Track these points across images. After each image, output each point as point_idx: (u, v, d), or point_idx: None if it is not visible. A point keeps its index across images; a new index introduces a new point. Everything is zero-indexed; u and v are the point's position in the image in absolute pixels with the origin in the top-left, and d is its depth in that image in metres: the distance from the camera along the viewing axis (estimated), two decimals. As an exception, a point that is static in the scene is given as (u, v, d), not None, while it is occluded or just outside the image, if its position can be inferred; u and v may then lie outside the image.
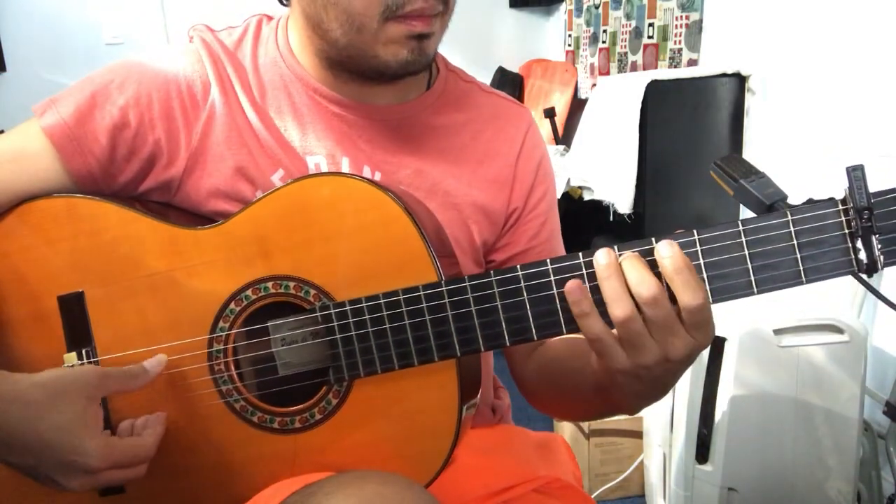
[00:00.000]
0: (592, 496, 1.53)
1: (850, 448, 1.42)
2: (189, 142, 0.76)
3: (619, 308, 0.57)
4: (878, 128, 1.65)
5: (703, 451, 1.46)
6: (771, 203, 0.79)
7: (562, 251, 0.89)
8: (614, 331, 0.59)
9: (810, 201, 0.77)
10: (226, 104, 0.77)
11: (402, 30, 0.69)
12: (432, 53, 0.74)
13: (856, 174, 0.56)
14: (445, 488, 0.69)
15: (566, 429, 1.92)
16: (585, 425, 1.82)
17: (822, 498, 1.43)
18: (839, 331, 1.39)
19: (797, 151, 1.91)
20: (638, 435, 1.78)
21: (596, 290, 0.59)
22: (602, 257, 0.58)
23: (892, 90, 1.61)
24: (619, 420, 1.79)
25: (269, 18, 0.84)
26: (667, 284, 0.57)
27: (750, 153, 2.07)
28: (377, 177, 0.79)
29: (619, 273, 0.58)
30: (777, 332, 1.38)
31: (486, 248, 0.86)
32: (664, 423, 1.54)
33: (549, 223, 0.88)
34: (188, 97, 0.76)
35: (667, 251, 0.57)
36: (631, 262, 0.58)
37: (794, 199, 0.78)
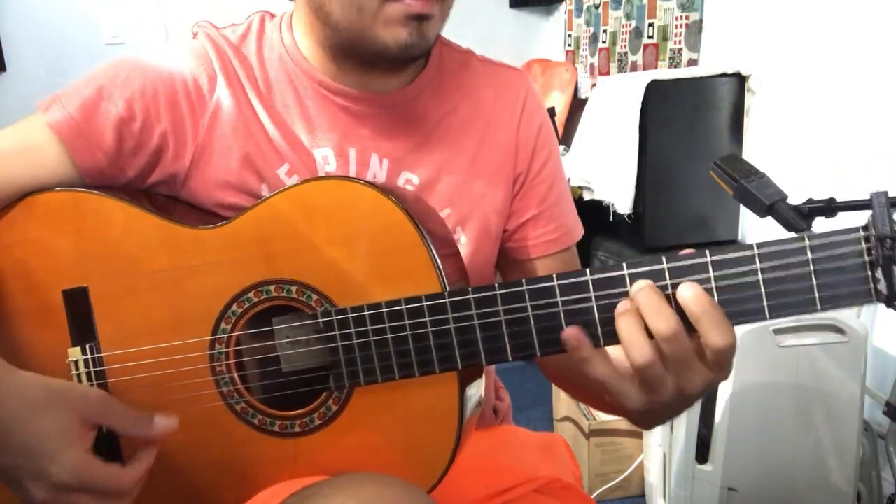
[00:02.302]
0: (592, 496, 1.53)
1: (850, 448, 1.42)
2: (196, 134, 0.76)
3: (637, 352, 0.55)
4: (878, 127, 1.65)
5: (703, 451, 1.46)
6: (771, 203, 0.79)
7: (573, 218, 0.89)
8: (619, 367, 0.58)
9: (810, 201, 0.77)
10: (233, 97, 0.77)
11: (401, 9, 0.70)
12: (432, 38, 0.74)
13: (879, 200, 0.53)
14: (446, 489, 0.69)
15: (566, 429, 1.92)
16: (585, 425, 1.82)
17: (822, 498, 1.43)
18: (839, 331, 1.39)
19: (797, 151, 1.91)
20: (638, 435, 1.79)
21: (604, 309, 0.57)
22: None
23: (892, 90, 1.61)
24: (619, 420, 1.79)
25: (272, 16, 0.84)
26: (689, 323, 0.55)
27: (750, 153, 2.07)
28: (385, 164, 0.79)
29: (635, 312, 0.55)
30: (777, 332, 1.38)
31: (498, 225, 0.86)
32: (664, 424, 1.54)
33: (557, 186, 0.88)
34: (194, 90, 0.76)
35: (689, 292, 0.54)
36: (646, 295, 0.55)
37: (794, 198, 0.78)
